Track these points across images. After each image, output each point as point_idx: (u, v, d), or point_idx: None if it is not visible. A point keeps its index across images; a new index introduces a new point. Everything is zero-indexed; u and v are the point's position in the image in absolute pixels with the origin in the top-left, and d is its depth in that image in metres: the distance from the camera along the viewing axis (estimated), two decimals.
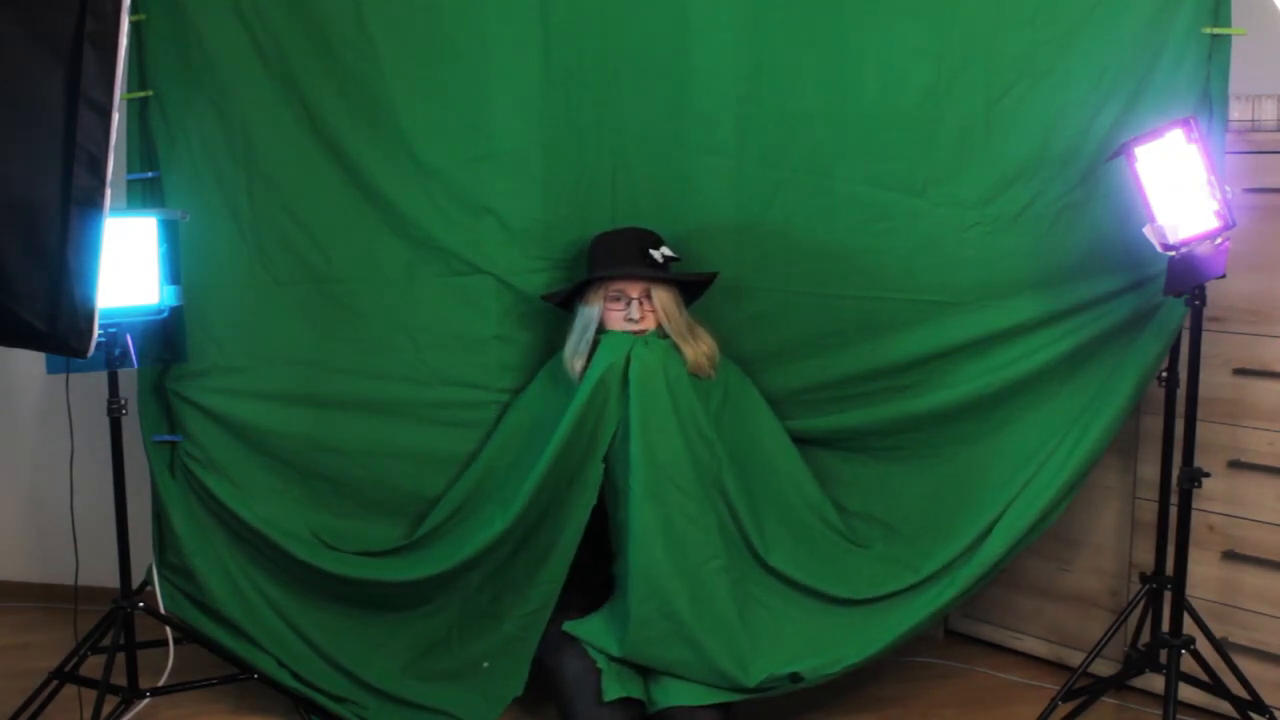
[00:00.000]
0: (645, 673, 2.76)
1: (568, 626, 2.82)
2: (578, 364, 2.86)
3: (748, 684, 2.69)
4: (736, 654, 2.71)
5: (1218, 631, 2.79)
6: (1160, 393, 2.75)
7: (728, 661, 2.69)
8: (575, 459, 2.80)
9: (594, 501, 2.79)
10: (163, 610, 2.88)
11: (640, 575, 2.72)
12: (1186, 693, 2.78)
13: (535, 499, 2.79)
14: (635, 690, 2.73)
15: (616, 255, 2.90)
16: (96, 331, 1.82)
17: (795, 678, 2.72)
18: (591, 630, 2.80)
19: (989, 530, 2.79)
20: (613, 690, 2.69)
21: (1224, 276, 2.48)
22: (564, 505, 2.82)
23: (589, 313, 2.88)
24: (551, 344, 3.01)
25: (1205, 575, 2.87)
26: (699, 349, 2.89)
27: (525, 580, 2.86)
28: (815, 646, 2.77)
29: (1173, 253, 2.50)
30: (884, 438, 3.02)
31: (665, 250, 2.91)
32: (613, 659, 2.75)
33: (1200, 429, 2.66)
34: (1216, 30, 2.59)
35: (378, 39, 2.84)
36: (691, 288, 2.96)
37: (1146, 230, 2.51)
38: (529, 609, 2.83)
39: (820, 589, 2.87)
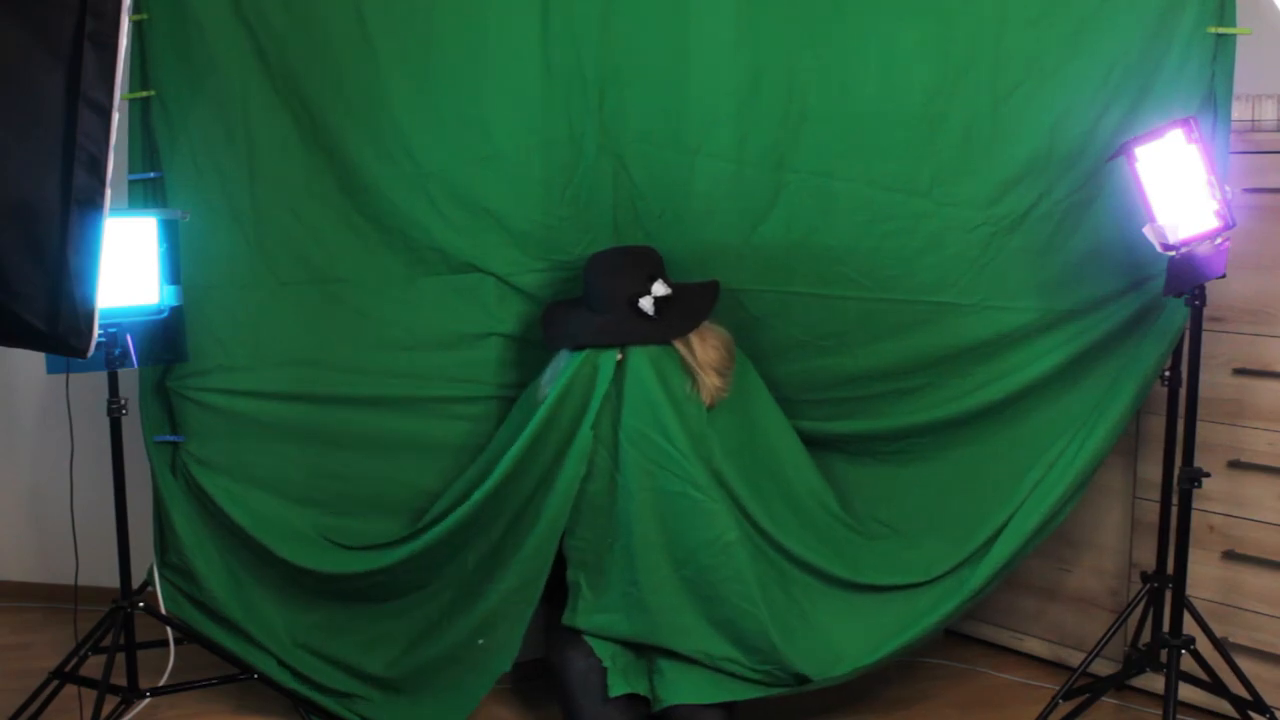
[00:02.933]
0: (651, 670, 2.76)
1: (565, 621, 2.80)
2: (550, 391, 2.82)
3: (777, 648, 2.67)
4: (757, 618, 2.69)
5: (1218, 631, 2.79)
6: (1161, 392, 2.75)
7: (750, 625, 2.68)
8: (561, 430, 2.77)
9: (582, 473, 2.76)
10: (163, 610, 2.87)
11: (645, 546, 2.71)
12: (1187, 692, 2.78)
13: (516, 471, 2.76)
14: (641, 687, 2.73)
15: (605, 308, 2.84)
16: (96, 331, 1.81)
17: (801, 679, 2.71)
18: (589, 617, 2.78)
19: (998, 533, 2.79)
20: (618, 686, 2.69)
21: (1224, 276, 2.48)
22: (550, 479, 2.79)
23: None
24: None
25: (1205, 575, 2.87)
26: (710, 380, 2.84)
27: (511, 555, 2.83)
28: (822, 642, 2.76)
29: (1173, 253, 2.50)
30: (891, 441, 3.02)
31: (658, 289, 2.84)
32: (620, 651, 2.75)
33: (1201, 429, 2.66)
34: (1222, 30, 2.59)
35: (377, 39, 2.83)
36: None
37: (1146, 230, 2.51)
38: (511, 585, 2.80)
39: (827, 570, 2.85)
